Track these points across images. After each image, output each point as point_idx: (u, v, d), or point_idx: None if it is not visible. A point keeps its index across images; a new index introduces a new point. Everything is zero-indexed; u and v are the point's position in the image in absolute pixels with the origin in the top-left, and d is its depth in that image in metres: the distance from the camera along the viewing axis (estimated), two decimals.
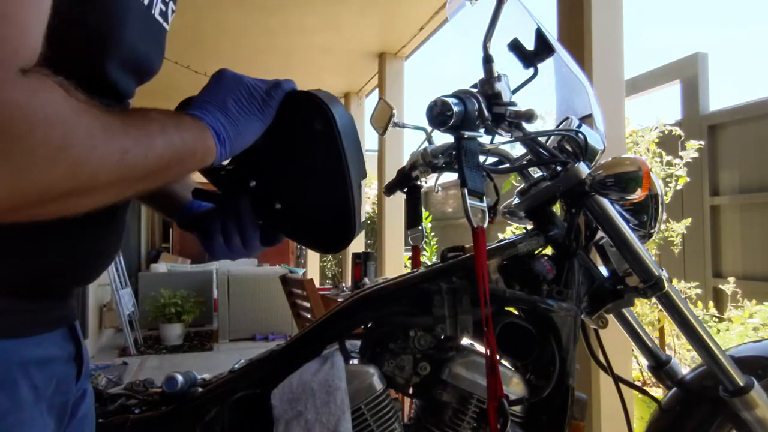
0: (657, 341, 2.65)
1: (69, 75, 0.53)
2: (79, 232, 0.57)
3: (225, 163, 0.71)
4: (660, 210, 1.04)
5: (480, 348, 0.90)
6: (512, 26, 0.97)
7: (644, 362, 1.23)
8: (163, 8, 0.65)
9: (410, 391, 0.91)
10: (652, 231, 1.05)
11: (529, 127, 0.97)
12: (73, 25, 0.51)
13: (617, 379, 1.05)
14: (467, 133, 0.85)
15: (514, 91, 0.95)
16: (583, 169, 0.97)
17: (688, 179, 3.22)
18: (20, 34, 0.40)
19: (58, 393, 0.57)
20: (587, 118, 1.05)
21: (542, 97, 1.09)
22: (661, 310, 2.50)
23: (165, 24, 0.66)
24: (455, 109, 0.83)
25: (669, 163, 3.21)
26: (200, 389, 0.91)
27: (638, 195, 0.93)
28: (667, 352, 2.24)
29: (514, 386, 0.89)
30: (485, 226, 0.81)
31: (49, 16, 0.44)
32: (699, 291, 3.18)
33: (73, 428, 0.62)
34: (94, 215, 0.57)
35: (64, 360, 0.59)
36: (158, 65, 0.68)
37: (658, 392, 1.58)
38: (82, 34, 0.53)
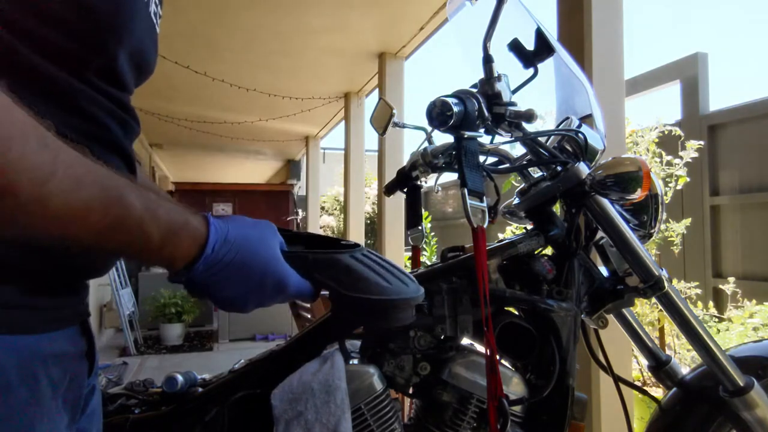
0: (657, 341, 2.66)
1: (86, 64, 0.54)
2: None
3: None
4: (660, 210, 1.04)
5: (480, 348, 0.90)
6: (512, 26, 0.97)
7: (644, 362, 1.23)
8: (155, 9, 0.66)
9: (410, 391, 0.91)
10: (652, 231, 1.05)
11: (529, 127, 0.97)
12: (91, 13, 0.53)
13: (617, 379, 1.05)
14: (467, 133, 0.85)
15: (514, 91, 0.95)
16: (583, 169, 0.97)
17: (688, 179, 3.22)
18: None
19: (71, 388, 0.58)
20: (587, 118, 1.05)
21: (542, 97, 1.09)
22: (661, 310, 2.50)
23: (156, 25, 0.68)
24: (455, 109, 0.83)
25: (669, 163, 3.21)
26: (200, 389, 0.90)
27: (638, 195, 0.93)
28: (667, 352, 2.24)
29: (514, 386, 0.89)
30: (485, 226, 0.81)
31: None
32: (699, 291, 3.18)
33: (83, 423, 0.63)
34: None
35: (77, 356, 0.60)
36: (154, 65, 0.69)
37: (658, 392, 1.58)
38: (99, 22, 0.54)
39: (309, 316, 3.11)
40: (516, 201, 1.08)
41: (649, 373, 1.18)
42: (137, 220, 0.49)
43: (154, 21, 0.67)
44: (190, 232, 0.54)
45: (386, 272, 0.66)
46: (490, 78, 0.91)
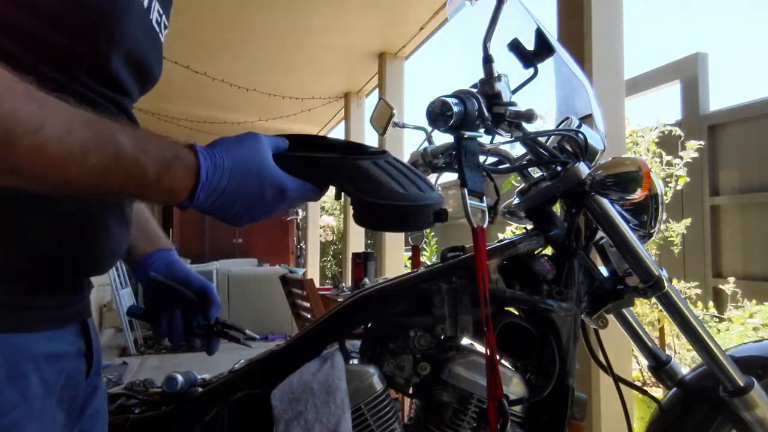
0: (657, 341, 2.65)
1: (78, 62, 0.55)
2: (88, 221, 0.58)
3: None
4: (660, 210, 1.04)
5: (480, 348, 0.90)
6: (512, 26, 0.97)
7: (644, 362, 1.23)
8: (159, 18, 0.66)
9: (410, 391, 0.91)
10: (652, 231, 1.05)
11: (529, 127, 0.97)
12: (82, 8, 0.53)
13: (617, 379, 1.05)
14: (467, 133, 0.85)
15: (514, 91, 0.95)
16: (583, 169, 0.97)
17: (688, 179, 3.22)
18: None
19: (67, 388, 0.58)
20: (587, 118, 1.05)
21: (542, 97, 1.09)
22: (661, 310, 2.50)
23: (160, 34, 0.68)
24: (455, 109, 0.83)
25: (669, 163, 3.21)
26: (200, 389, 0.90)
27: (638, 195, 0.93)
28: (667, 352, 2.24)
29: (514, 386, 0.89)
30: (485, 226, 0.81)
31: None
32: (699, 291, 3.18)
33: (84, 424, 0.63)
34: (103, 206, 0.58)
35: (74, 355, 0.60)
36: (158, 71, 0.69)
37: (658, 392, 1.58)
38: (89, 17, 0.55)
39: (309, 316, 3.10)
40: (516, 201, 1.08)
41: (649, 373, 1.18)
42: (131, 156, 0.50)
43: (158, 30, 0.67)
44: (182, 161, 0.55)
45: (405, 179, 0.69)
46: (490, 78, 0.91)
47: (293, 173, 0.64)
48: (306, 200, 0.67)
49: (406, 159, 1.18)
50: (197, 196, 0.56)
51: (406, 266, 4.76)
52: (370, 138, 8.08)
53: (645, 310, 2.95)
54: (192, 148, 0.57)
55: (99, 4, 0.55)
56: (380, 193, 0.66)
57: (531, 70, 0.96)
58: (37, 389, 0.52)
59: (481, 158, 1.04)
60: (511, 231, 3.44)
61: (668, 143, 3.38)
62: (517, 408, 0.89)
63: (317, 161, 0.67)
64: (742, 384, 0.98)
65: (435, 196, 0.71)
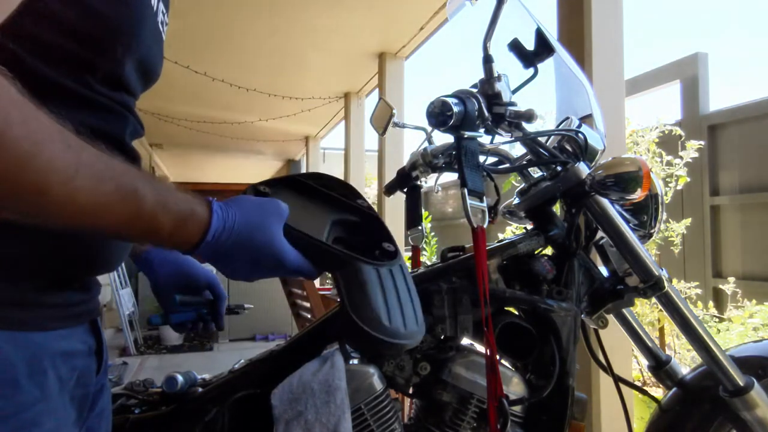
0: (657, 341, 2.66)
1: (92, 69, 0.56)
2: None
3: None
4: (660, 210, 1.04)
5: (480, 348, 0.90)
6: (512, 26, 0.97)
7: (644, 362, 1.23)
8: (163, 18, 0.68)
9: (410, 391, 0.91)
10: (652, 231, 1.05)
11: (529, 127, 0.97)
12: (98, 19, 0.54)
13: (617, 379, 1.05)
14: (467, 133, 0.85)
15: (514, 91, 0.95)
16: (583, 169, 0.97)
17: (688, 179, 3.22)
18: None
19: (79, 385, 0.59)
20: (587, 118, 1.05)
21: (542, 97, 1.09)
22: (661, 310, 2.50)
23: (163, 34, 0.69)
24: (455, 109, 0.83)
25: (669, 163, 3.22)
26: (200, 389, 0.90)
27: (638, 195, 0.93)
28: (667, 352, 2.24)
29: (514, 386, 0.89)
30: (485, 226, 0.81)
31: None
32: (699, 291, 3.18)
33: (91, 421, 0.64)
34: None
35: (86, 353, 0.61)
36: (160, 69, 0.71)
37: (658, 392, 1.58)
38: (111, 32, 0.56)
39: (309, 316, 3.10)
40: (516, 201, 1.08)
41: (649, 373, 1.18)
42: (151, 212, 0.52)
43: (161, 30, 0.68)
44: (196, 221, 0.57)
45: (396, 304, 0.67)
46: (490, 78, 0.91)
47: (298, 248, 0.65)
48: (301, 276, 0.67)
49: (406, 159, 1.18)
50: (201, 249, 0.58)
51: None
52: (370, 138, 8.07)
53: (645, 310, 2.95)
54: (208, 206, 0.59)
55: (118, 16, 0.56)
56: (364, 314, 0.65)
57: (531, 70, 0.97)
58: (54, 386, 0.53)
59: (481, 158, 1.04)
60: (511, 231, 3.45)
61: (668, 143, 3.38)
62: (517, 408, 0.89)
63: (325, 249, 0.67)
64: (742, 384, 0.98)
65: (414, 335, 0.68)
